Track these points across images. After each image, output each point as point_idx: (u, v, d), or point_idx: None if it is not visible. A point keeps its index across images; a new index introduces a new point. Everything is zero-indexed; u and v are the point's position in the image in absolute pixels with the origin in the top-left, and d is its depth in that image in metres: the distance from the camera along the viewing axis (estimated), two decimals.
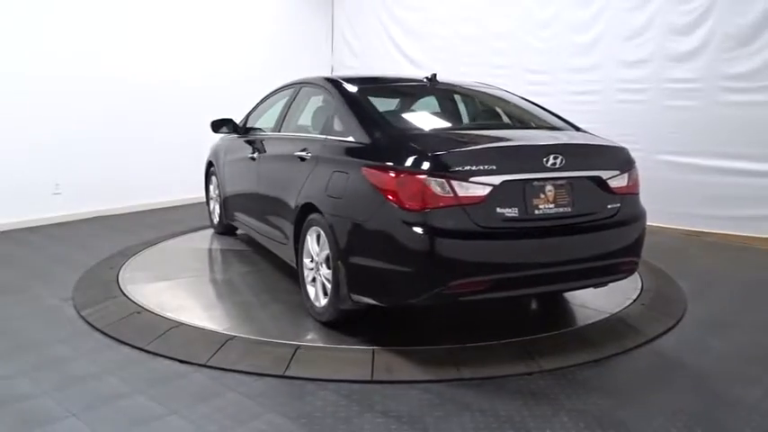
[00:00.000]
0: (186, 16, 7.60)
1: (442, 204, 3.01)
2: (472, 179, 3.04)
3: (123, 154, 6.97)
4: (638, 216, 3.59)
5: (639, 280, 4.58)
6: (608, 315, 3.86)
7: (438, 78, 4.28)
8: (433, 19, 8.39)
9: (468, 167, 3.05)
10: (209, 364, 3.12)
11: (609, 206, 3.41)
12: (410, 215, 3.02)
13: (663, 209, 6.56)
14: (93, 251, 5.22)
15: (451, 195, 3.01)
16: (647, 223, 3.65)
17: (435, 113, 4.35)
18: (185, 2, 7.60)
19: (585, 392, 2.91)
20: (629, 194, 3.52)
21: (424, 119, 4.18)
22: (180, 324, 3.60)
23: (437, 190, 3.01)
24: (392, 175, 3.10)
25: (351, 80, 4.20)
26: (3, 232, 5.93)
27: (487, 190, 3.06)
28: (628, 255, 3.54)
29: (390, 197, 3.08)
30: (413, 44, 8.69)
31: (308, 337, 3.48)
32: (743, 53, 5.97)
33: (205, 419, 2.59)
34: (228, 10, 8.11)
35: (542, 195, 3.21)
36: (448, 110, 4.44)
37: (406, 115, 4.19)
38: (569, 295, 4.29)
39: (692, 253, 5.75)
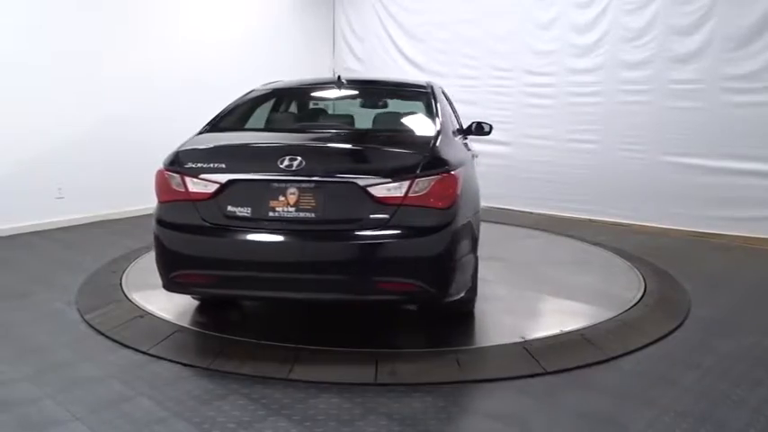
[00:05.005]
0: (187, 20, 7.61)
1: (176, 198, 3.26)
2: (201, 176, 3.20)
3: (126, 157, 6.96)
4: (428, 232, 3.06)
5: (643, 282, 4.59)
6: (611, 316, 3.85)
7: (344, 80, 4.29)
8: (435, 21, 8.40)
9: (199, 164, 3.23)
10: (212, 367, 3.12)
11: (371, 216, 3.06)
12: (158, 207, 3.37)
13: (667, 210, 6.58)
14: (97, 255, 5.23)
15: (183, 190, 3.23)
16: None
17: (288, 116, 4.52)
18: (186, 4, 7.62)
19: (589, 393, 2.90)
20: (411, 206, 3.04)
21: (254, 120, 4.23)
22: (183, 327, 3.61)
23: (173, 184, 3.27)
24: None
25: (279, 85, 4.51)
26: (6, 236, 5.94)
27: (214, 187, 3.17)
28: (401, 275, 3.09)
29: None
30: (414, 46, 8.70)
31: (310, 339, 3.48)
32: (745, 54, 5.97)
33: (209, 423, 2.59)
34: (229, 13, 8.12)
35: (281, 197, 3.11)
36: (307, 112, 4.72)
37: (254, 117, 4.24)
38: (570, 295, 4.29)
39: (697, 255, 5.74)
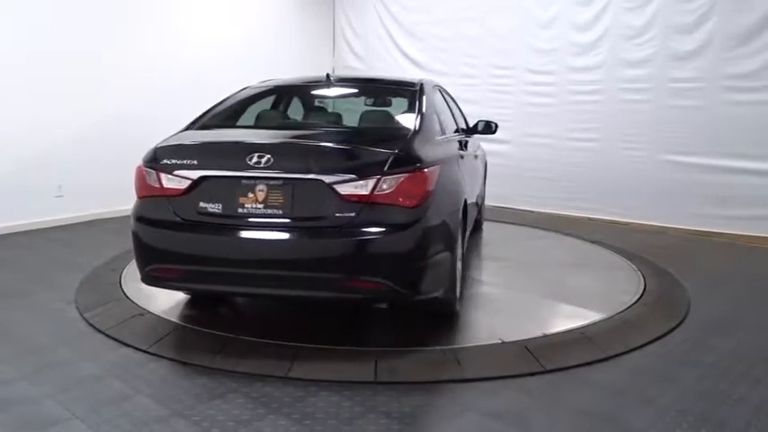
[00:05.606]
0: (187, 19, 7.61)
1: (153, 194, 3.34)
2: (175, 172, 3.26)
3: (125, 156, 6.93)
4: (395, 230, 3.04)
5: (643, 280, 4.58)
6: (610, 315, 3.84)
7: (333, 78, 4.36)
8: (435, 20, 8.40)
9: (173, 161, 3.29)
10: (211, 365, 3.12)
11: (337, 214, 3.04)
12: (136, 202, 3.45)
13: (666, 208, 6.58)
14: (96, 254, 5.22)
15: (158, 186, 3.30)
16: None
17: (273, 113, 4.51)
18: (186, 4, 7.61)
19: (589, 392, 2.90)
20: (377, 204, 3.03)
21: (238, 117, 4.22)
22: (182, 326, 3.61)
23: (149, 180, 3.35)
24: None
25: (269, 83, 4.55)
26: (5, 235, 5.94)
27: (186, 184, 3.22)
28: (368, 274, 3.07)
29: None
30: (414, 45, 8.70)
31: (309, 337, 3.47)
32: (745, 52, 5.97)
33: (209, 421, 2.59)
34: (229, 12, 8.12)
35: (251, 194, 3.13)
36: (294, 110, 4.72)
37: (239, 114, 4.24)
38: (570, 294, 4.28)
39: (697, 253, 5.73)
